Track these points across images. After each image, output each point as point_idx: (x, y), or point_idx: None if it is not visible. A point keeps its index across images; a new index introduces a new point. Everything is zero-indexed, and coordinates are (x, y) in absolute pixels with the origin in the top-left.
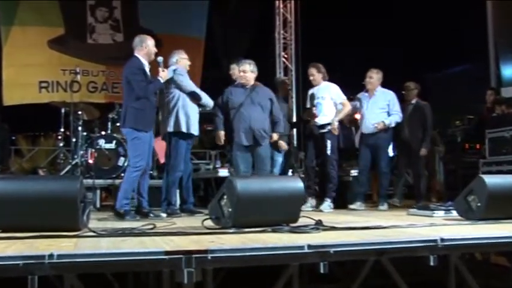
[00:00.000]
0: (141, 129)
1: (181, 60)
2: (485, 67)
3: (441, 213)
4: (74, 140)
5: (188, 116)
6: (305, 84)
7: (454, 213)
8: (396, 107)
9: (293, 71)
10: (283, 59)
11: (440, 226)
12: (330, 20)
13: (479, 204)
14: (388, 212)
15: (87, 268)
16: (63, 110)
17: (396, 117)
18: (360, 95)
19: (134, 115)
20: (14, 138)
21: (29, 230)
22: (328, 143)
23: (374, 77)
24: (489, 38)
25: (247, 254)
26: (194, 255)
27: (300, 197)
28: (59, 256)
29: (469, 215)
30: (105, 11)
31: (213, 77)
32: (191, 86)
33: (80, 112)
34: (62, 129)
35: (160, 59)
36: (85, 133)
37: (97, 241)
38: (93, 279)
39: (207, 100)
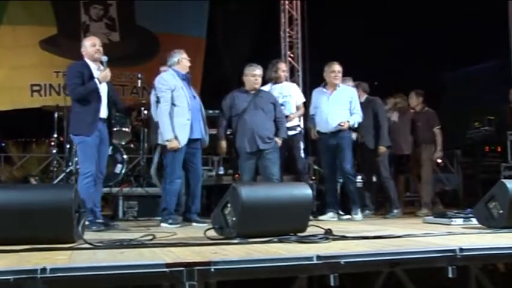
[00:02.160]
0: (78, 133)
1: (182, 61)
2: (504, 65)
3: (460, 221)
4: (68, 146)
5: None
6: (312, 84)
7: (474, 221)
8: (358, 105)
9: (300, 71)
10: (289, 59)
11: (459, 235)
12: (338, 17)
13: (501, 211)
14: (403, 219)
15: (82, 282)
16: (56, 115)
17: (358, 117)
18: (316, 91)
19: (72, 119)
20: (3, 144)
21: (20, 242)
22: (301, 144)
23: (341, 70)
24: (510, 37)
25: (253, 265)
26: (196, 268)
27: (308, 205)
28: (52, 270)
29: (490, 222)
30: (100, 8)
31: (215, 76)
32: (161, 114)
33: None
34: (55, 135)
35: (104, 58)
36: None
37: (93, 253)
38: None
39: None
